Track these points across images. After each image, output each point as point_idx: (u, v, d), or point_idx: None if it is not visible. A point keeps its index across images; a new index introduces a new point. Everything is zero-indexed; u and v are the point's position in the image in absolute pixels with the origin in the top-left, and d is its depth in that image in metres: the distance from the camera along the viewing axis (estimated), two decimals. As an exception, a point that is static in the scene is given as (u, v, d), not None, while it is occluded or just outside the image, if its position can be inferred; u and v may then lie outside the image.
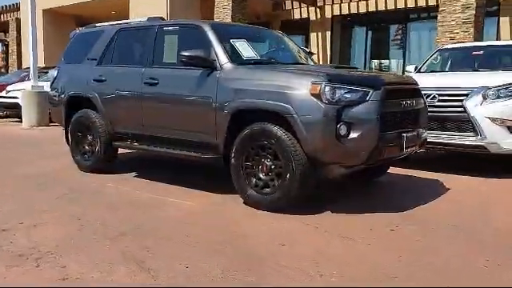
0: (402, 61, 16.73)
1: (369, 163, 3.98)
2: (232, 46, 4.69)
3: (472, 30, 10.67)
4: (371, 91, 3.88)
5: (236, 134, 4.31)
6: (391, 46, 17.11)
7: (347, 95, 3.83)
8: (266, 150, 4.13)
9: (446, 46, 7.76)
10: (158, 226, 3.74)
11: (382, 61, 17.32)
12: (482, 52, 7.00)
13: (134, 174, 5.78)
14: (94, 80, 5.65)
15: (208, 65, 4.50)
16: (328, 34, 18.37)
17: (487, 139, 5.47)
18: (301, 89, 3.88)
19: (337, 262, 3.02)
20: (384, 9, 16.49)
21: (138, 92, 5.14)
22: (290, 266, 2.94)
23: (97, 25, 6.26)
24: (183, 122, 4.79)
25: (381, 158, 4.02)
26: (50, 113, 11.36)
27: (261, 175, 4.20)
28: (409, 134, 4.19)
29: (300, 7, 18.90)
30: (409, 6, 15.76)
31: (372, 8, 16.76)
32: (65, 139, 6.25)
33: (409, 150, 4.22)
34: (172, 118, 4.89)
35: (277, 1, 19.03)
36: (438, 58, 7.44)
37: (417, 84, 4.60)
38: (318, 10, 18.56)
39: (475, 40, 10.68)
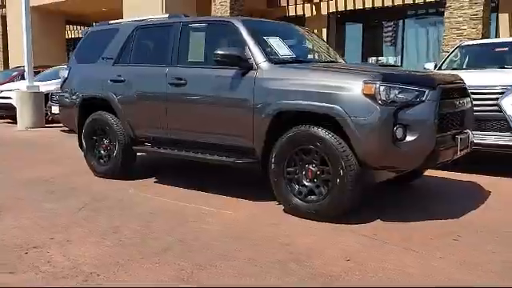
0: (399, 58, 16.60)
1: (424, 168, 3.74)
2: (266, 44, 4.41)
3: (480, 26, 10.53)
4: (427, 91, 3.63)
5: (275, 138, 4.04)
6: (388, 43, 16.97)
7: (403, 95, 3.58)
8: (311, 154, 3.86)
9: (466, 43, 7.57)
10: (204, 239, 3.45)
11: (380, 58, 17.16)
12: (506, 48, 6.82)
13: (153, 179, 5.46)
14: (111, 80, 5.32)
15: (243, 64, 4.22)
16: (324, 30, 18.12)
17: (524, 139, 5.28)
18: (353, 89, 3.62)
19: (417, 281, 2.77)
20: (381, 5, 16.34)
21: (163, 93, 4.83)
22: (368, 286, 2.69)
23: (110, 22, 5.91)
24: (214, 125, 4.50)
25: (437, 162, 3.78)
26: (47, 114, 11.00)
27: (305, 182, 3.93)
28: (462, 136, 3.96)
29: (295, 4, 18.62)
30: (406, 3, 15.61)
31: (368, 4, 16.60)
32: (78, 143, 5.89)
33: (462, 152, 4.00)
34: (202, 121, 4.59)
35: (272, -3, 18.77)
36: (458, 54, 7.25)
37: (465, 83, 4.37)
38: (313, 6, 18.34)
39: (483, 36, 10.55)
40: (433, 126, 3.60)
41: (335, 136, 3.69)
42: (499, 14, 13.89)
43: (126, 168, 5.44)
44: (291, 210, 3.98)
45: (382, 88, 3.54)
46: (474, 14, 10.53)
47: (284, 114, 3.99)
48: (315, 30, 18.08)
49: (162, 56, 4.99)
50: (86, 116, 5.66)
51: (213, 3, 14.97)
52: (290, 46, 4.68)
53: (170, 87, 4.77)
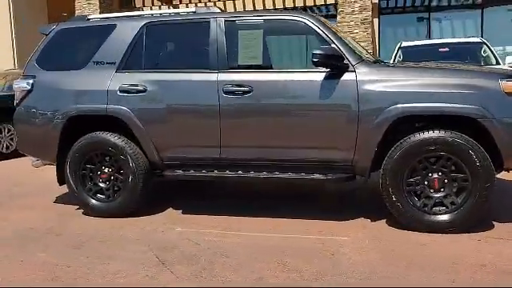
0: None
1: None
2: (348, 43, 3.93)
3: (370, 30, 11.37)
4: None
5: (383, 147, 3.63)
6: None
7: None
8: (439, 162, 3.54)
9: (408, 44, 8.01)
10: (390, 277, 2.87)
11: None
12: (447, 49, 7.41)
13: (170, 210, 4.43)
14: (121, 91, 4.13)
15: (340, 65, 3.68)
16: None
17: None
18: (491, 88, 3.43)
19: None
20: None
21: (214, 104, 3.93)
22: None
23: (90, 17, 4.61)
24: (297, 138, 3.82)
25: None
26: None
27: (430, 193, 3.59)
28: None
29: (152, 5, 17.59)
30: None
31: (230, 9, 16.60)
32: (56, 177, 4.46)
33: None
34: (277, 135, 3.86)
35: (125, -3, 17.38)
36: (401, 55, 7.63)
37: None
38: (171, 9, 17.57)
39: (373, 39, 11.43)
40: None
41: (470, 139, 3.45)
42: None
43: (143, 201, 4.31)
44: (418, 224, 3.58)
45: None
46: (365, 19, 11.33)
47: (400, 119, 3.58)
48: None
49: (202, 59, 4.06)
50: (71, 139, 4.32)
51: (76, 2, 13.18)
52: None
53: (224, 96, 3.91)
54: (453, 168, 3.53)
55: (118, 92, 4.14)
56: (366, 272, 2.93)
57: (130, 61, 4.22)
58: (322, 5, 12.56)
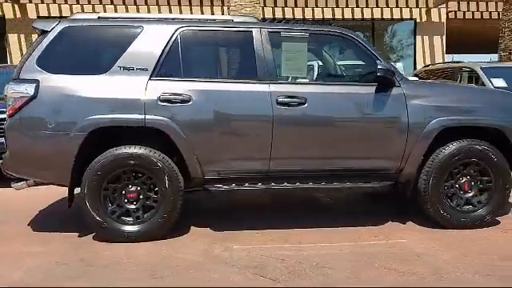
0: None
1: None
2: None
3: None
4: None
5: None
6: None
7: None
8: (471, 167, 4.10)
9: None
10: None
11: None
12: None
13: (194, 228, 4.17)
14: (162, 100, 3.75)
15: (392, 80, 3.99)
16: (34, 37, 15.80)
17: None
18: (509, 104, 4.17)
19: None
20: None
21: (267, 115, 3.85)
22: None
23: (100, 15, 4.03)
24: (350, 148, 4.00)
25: None
26: None
27: (460, 194, 4.12)
28: None
29: (41, 2, 15.44)
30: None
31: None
32: (68, 197, 3.80)
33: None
34: (330, 145, 3.96)
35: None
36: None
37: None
38: (17, 7, 15.74)
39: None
40: None
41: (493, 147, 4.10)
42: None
43: (175, 220, 3.95)
44: (459, 224, 4.07)
45: None
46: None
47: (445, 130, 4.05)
48: (21, 36, 15.71)
49: (249, 69, 3.95)
50: (89, 154, 3.75)
51: None
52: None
53: (278, 108, 3.87)
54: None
55: (159, 102, 3.74)
56: (473, 267, 3.25)
57: (166, 68, 3.86)
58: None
